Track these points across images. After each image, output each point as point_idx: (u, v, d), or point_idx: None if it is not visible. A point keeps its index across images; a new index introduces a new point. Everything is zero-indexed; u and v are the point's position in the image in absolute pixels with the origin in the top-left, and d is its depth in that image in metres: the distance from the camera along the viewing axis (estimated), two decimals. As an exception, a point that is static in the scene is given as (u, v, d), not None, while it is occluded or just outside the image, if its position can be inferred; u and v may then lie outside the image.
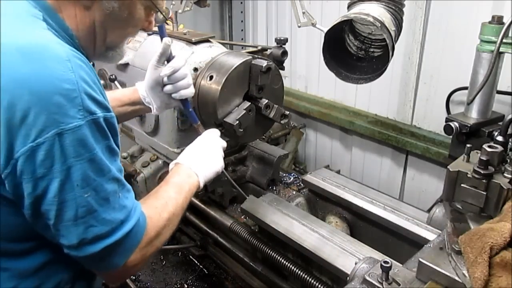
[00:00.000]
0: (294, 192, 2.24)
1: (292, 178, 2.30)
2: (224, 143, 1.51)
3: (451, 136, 2.05)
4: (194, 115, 1.64)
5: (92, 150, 0.93)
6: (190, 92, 1.55)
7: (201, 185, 1.35)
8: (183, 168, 1.35)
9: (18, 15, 0.95)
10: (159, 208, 1.15)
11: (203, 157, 1.41)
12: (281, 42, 2.09)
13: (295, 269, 1.75)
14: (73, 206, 0.93)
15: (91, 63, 1.11)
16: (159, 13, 1.20)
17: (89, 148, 0.92)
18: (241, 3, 3.75)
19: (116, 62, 1.36)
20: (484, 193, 1.03)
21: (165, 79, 1.49)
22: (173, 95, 1.53)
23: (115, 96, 1.58)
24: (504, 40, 1.74)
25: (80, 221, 0.95)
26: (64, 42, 0.99)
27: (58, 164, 0.89)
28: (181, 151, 2.20)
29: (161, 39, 1.44)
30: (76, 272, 1.12)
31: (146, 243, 1.07)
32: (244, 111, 1.82)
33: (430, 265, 1.08)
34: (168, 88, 1.51)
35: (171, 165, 1.39)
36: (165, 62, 1.49)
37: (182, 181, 1.29)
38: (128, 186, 1.07)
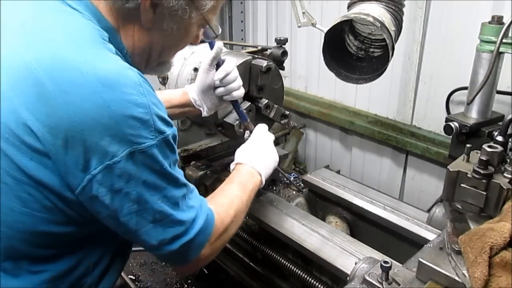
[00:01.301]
0: (294, 192, 2.24)
1: (292, 178, 2.30)
2: (273, 136, 1.64)
3: (451, 136, 2.05)
4: (244, 114, 1.70)
5: (162, 165, 1.02)
6: (241, 92, 1.64)
7: (263, 182, 1.47)
8: (246, 167, 1.46)
9: (91, 39, 0.99)
10: (226, 205, 1.26)
11: (262, 155, 1.53)
12: (281, 42, 2.09)
13: (295, 269, 1.75)
14: (150, 213, 1.03)
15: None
16: (208, 28, 1.25)
17: (159, 163, 1.01)
18: (241, 3, 3.75)
19: (164, 74, 1.42)
20: (484, 193, 1.03)
21: (217, 82, 1.57)
22: (224, 97, 1.62)
23: (164, 98, 1.60)
24: (504, 40, 1.74)
25: (158, 224, 1.05)
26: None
27: (133, 179, 0.98)
28: (181, 151, 2.22)
29: (210, 45, 1.49)
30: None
31: (216, 238, 1.18)
32: (244, 111, 1.82)
33: (430, 265, 1.08)
34: (220, 90, 1.59)
35: (232, 165, 1.51)
36: (215, 66, 1.56)
37: (246, 180, 1.40)
38: (192, 186, 1.16)
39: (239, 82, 1.60)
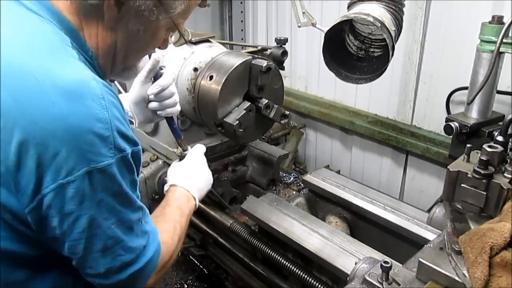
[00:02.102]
0: (294, 192, 2.24)
1: (292, 178, 2.30)
2: (205, 159, 1.60)
3: (451, 136, 2.05)
4: (178, 131, 1.64)
5: (120, 185, 0.95)
6: (176, 110, 1.56)
7: (197, 206, 1.43)
8: (181, 191, 1.41)
9: (49, 44, 0.92)
10: (171, 233, 1.20)
11: (196, 178, 1.48)
12: (281, 42, 2.09)
13: (295, 269, 1.75)
14: (101, 238, 0.95)
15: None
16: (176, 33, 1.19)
17: (117, 183, 0.94)
18: (241, 3, 3.75)
19: (130, 80, 1.35)
20: (484, 193, 1.03)
21: (151, 96, 1.48)
22: (158, 113, 1.53)
23: None
24: (504, 40, 1.74)
25: (108, 252, 0.97)
26: (85, 64, 0.97)
27: (87, 201, 0.91)
28: (181, 151, 2.20)
29: (148, 55, 1.40)
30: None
31: (161, 267, 1.11)
32: (244, 111, 1.82)
33: (430, 265, 1.08)
34: (153, 105, 1.50)
35: (166, 187, 1.45)
36: (152, 78, 1.48)
37: (182, 205, 1.35)
38: (147, 210, 1.10)
39: (175, 98, 1.52)
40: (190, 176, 1.47)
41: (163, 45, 1.18)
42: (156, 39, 1.13)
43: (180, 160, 1.58)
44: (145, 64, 1.43)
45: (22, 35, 0.91)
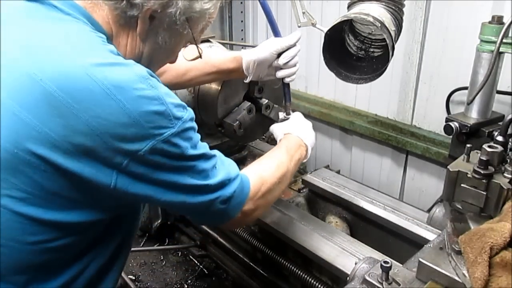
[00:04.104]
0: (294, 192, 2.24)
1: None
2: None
3: (451, 136, 2.05)
4: (290, 95, 1.78)
5: (186, 149, 1.04)
6: (295, 77, 1.73)
7: (308, 155, 1.57)
8: (295, 138, 1.55)
9: (91, 42, 1.00)
10: (271, 168, 1.35)
11: (308, 132, 1.62)
12: (281, 42, 2.09)
13: (295, 269, 1.75)
14: (186, 188, 1.08)
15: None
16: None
17: (182, 148, 1.03)
18: (241, 3, 3.75)
19: None
20: (484, 193, 1.03)
21: (281, 64, 1.64)
22: (285, 80, 1.70)
23: (213, 63, 1.72)
24: (504, 40, 1.74)
25: (198, 194, 1.11)
26: None
27: (158, 168, 1.01)
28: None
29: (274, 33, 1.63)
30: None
31: (258, 196, 1.27)
32: (244, 111, 1.83)
33: (430, 265, 1.08)
34: (282, 73, 1.67)
35: (282, 135, 1.59)
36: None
37: (293, 149, 1.48)
38: (218, 153, 1.21)
39: (298, 67, 1.70)
40: (302, 129, 1.61)
41: (175, 59, 1.30)
42: (176, 51, 1.25)
43: (281, 122, 1.72)
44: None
45: (66, 37, 0.98)
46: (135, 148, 0.96)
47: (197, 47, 1.27)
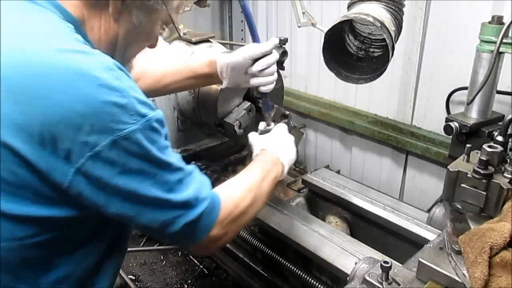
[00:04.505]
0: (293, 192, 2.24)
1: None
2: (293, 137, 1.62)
3: (451, 136, 2.05)
4: (269, 105, 1.69)
5: (149, 151, 0.97)
6: (272, 87, 1.62)
7: (285, 173, 1.45)
8: (271, 155, 1.43)
9: (56, 30, 0.97)
10: (243, 188, 1.24)
11: (287, 148, 1.51)
12: (281, 42, 2.09)
13: (295, 269, 1.75)
14: (145, 201, 0.99)
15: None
16: None
17: (145, 149, 0.96)
18: (241, 3, 3.75)
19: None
20: (484, 193, 1.03)
21: (255, 72, 1.55)
22: (260, 88, 1.60)
23: (190, 67, 1.66)
24: (504, 40, 1.74)
25: (156, 210, 1.02)
26: None
27: (118, 168, 0.94)
28: (181, 151, 2.22)
29: (254, 38, 1.54)
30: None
31: (229, 220, 1.16)
32: (244, 111, 1.83)
33: (430, 265, 1.08)
34: (256, 81, 1.58)
35: (257, 151, 1.47)
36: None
37: (268, 167, 1.37)
38: (191, 168, 1.12)
39: (274, 77, 1.60)
40: (280, 145, 1.50)
41: (155, 42, 1.24)
42: (153, 33, 1.19)
43: (261, 134, 1.60)
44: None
45: (30, 25, 0.95)
46: (93, 141, 0.90)
47: (175, 27, 1.22)
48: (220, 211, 1.14)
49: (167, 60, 1.59)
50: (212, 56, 1.67)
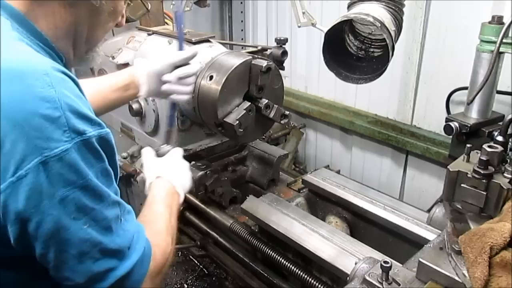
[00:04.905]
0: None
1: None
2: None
3: (451, 136, 2.05)
4: (174, 119, 1.67)
5: (85, 176, 0.81)
6: (186, 98, 1.62)
7: (181, 202, 1.31)
8: (168, 186, 1.29)
9: None
10: (164, 234, 1.08)
11: (181, 174, 1.37)
12: (281, 42, 2.09)
13: (295, 269, 1.75)
14: (74, 242, 0.81)
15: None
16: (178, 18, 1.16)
17: (81, 174, 0.80)
18: (241, 3, 3.75)
19: (95, 65, 1.24)
20: (484, 193, 1.03)
21: (171, 79, 1.52)
22: (172, 96, 1.57)
23: (111, 83, 1.53)
24: (504, 40, 1.74)
25: (85, 257, 0.83)
26: (39, 52, 0.89)
27: (46, 199, 0.77)
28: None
29: (180, 43, 1.51)
30: None
31: (156, 271, 0.99)
32: (244, 111, 1.82)
33: (430, 265, 1.08)
34: (167, 87, 1.55)
35: (152, 178, 1.32)
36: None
37: (170, 201, 1.24)
38: (128, 207, 0.96)
39: (191, 88, 1.59)
40: (176, 172, 1.36)
41: (122, 21, 1.13)
42: (116, 12, 1.07)
43: (158, 156, 1.47)
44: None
45: None
46: (16, 163, 0.74)
47: (142, 2, 1.14)
48: (150, 263, 0.96)
49: (90, 85, 1.46)
50: (129, 68, 1.60)
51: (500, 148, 1.06)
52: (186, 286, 2.41)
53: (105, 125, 0.89)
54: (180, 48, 1.57)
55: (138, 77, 1.53)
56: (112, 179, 0.92)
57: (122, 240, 0.89)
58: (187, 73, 1.52)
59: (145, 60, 1.57)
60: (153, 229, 1.06)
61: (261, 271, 1.98)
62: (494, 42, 1.77)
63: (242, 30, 3.83)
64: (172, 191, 1.28)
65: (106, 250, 0.85)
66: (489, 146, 1.06)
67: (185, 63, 1.54)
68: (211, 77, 1.87)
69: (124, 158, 2.38)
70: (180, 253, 2.58)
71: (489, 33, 1.84)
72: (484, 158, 1.03)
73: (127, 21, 3.29)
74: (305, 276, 1.71)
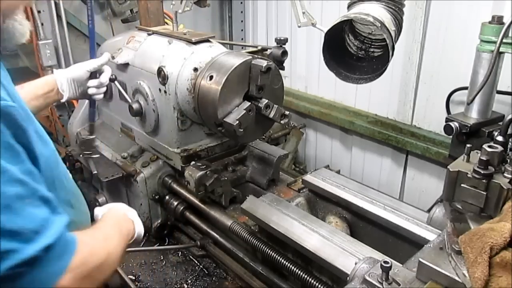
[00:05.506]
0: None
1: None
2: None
3: (451, 136, 2.05)
4: (95, 114, 2.01)
5: None
6: (101, 97, 1.91)
7: (136, 234, 1.27)
8: (119, 212, 1.29)
9: None
10: (100, 240, 1.05)
11: (132, 209, 1.37)
12: (281, 42, 2.09)
13: (295, 269, 1.75)
14: None
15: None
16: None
17: None
18: (241, 3, 3.75)
19: (22, 41, 1.13)
20: (484, 193, 1.03)
21: (91, 85, 1.83)
22: (95, 97, 1.88)
23: (30, 92, 1.68)
24: (504, 40, 1.74)
25: None
26: None
27: None
28: (181, 151, 2.22)
29: (91, 52, 1.87)
30: None
31: (84, 271, 0.92)
32: (244, 111, 1.82)
33: (430, 265, 1.08)
34: (93, 91, 1.85)
35: (104, 209, 1.32)
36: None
37: (119, 222, 1.22)
38: (46, 194, 0.90)
39: (104, 89, 1.89)
40: (125, 207, 1.37)
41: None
42: None
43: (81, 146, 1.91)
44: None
45: None
46: None
47: None
48: (73, 257, 0.89)
49: None
50: (47, 76, 1.83)
51: (500, 148, 1.06)
52: (186, 286, 2.41)
53: (10, 100, 0.85)
54: (92, 56, 1.88)
55: (60, 84, 1.76)
56: (22, 157, 0.86)
57: (24, 222, 0.82)
58: (101, 83, 1.84)
59: (63, 70, 1.81)
60: (91, 233, 1.05)
61: (261, 271, 1.98)
62: (494, 42, 1.77)
63: (242, 30, 3.83)
64: (125, 217, 1.28)
65: (3, 229, 0.79)
66: (489, 146, 1.06)
67: (98, 68, 1.82)
68: (211, 77, 1.87)
69: (124, 158, 2.38)
70: (180, 253, 2.58)
71: (489, 33, 1.84)
72: (484, 158, 1.03)
73: (127, 21, 3.31)
74: (305, 276, 1.71)
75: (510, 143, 1.18)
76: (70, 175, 1.29)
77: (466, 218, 1.10)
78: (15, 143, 0.84)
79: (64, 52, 3.05)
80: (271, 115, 1.88)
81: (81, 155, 2.22)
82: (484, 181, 1.03)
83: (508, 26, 1.73)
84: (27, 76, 3.21)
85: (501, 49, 1.77)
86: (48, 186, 0.94)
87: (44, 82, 1.75)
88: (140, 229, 1.30)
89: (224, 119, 1.83)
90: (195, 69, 1.99)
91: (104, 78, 1.86)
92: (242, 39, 3.85)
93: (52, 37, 2.96)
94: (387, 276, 1.11)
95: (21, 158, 0.86)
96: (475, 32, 1.92)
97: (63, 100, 1.80)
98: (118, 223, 1.21)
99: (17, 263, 0.80)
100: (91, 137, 1.93)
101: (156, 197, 2.33)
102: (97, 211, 1.35)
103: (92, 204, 2.58)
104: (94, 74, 1.85)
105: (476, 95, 1.90)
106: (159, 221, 2.46)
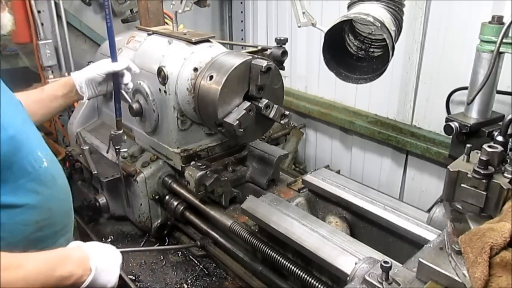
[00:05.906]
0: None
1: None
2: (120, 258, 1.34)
3: (451, 136, 2.05)
4: (121, 109, 1.96)
5: None
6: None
7: (88, 282, 1.14)
8: (80, 252, 1.18)
9: None
10: (13, 264, 1.00)
11: (110, 256, 1.26)
12: (281, 42, 2.09)
13: (295, 269, 1.75)
14: None
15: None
16: None
17: None
18: (241, 3, 3.76)
19: (3, 32, 1.24)
20: (484, 193, 1.03)
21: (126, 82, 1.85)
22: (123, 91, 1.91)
23: (48, 93, 1.73)
24: (504, 40, 1.74)
25: None
26: None
27: None
28: (181, 151, 2.22)
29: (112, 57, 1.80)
30: None
31: None
32: (244, 111, 1.82)
33: (430, 265, 1.08)
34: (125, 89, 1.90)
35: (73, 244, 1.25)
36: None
37: (61, 263, 1.12)
38: None
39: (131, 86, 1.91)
40: (102, 249, 1.25)
41: None
42: None
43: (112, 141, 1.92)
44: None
45: None
46: None
47: None
48: None
49: (31, 95, 1.69)
50: (65, 78, 1.84)
51: (500, 148, 1.06)
52: (186, 286, 2.41)
53: None
54: (113, 60, 1.81)
55: (79, 87, 1.78)
56: None
57: None
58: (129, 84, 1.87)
59: (79, 72, 1.82)
60: (4, 255, 0.99)
61: (261, 271, 1.98)
62: (494, 42, 1.77)
63: (242, 30, 3.84)
64: (81, 260, 1.15)
65: None
66: (489, 146, 1.06)
67: (118, 71, 1.81)
68: (211, 77, 1.87)
69: (124, 158, 2.38)
70: (180, 253, 2.58)
71: (489, 33, 1.84)
72: (484, 158, 1.03)
73: (127, 21, 3.31)
74: (305, 276, 1.71)
75: (510, 143, 1.18)
76: (55, 164, 1.35)
77: (466, 218, 1.10)
78: None
79: (64, 52, 3.07)
80: (271, 115, 1.88)
81: (107, 151, 2.25)
82: (484, 181, 1.03)
83: (508, 26, 1.73)
84: (27, 76, 3.23)
85: (501, 49, 1.77)
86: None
87: (63, 83, 1.78)
88: (109, 279, 1.20)
89: (224, 119, 1.83)
90: (195, 69, 1.99)
91: (127, 79, 1.86)
92: (242, 39, 3.85)
93: (52, 37, 2.97)
94: (387, 276, 1.11)
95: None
96: (475, 32, 1.92)
97: (84, 100, 1.85)
98: (52, 264, 1.09)
99: None
100: (119, 132, 1.96)
101: (156, 197, 2.33)
102: (72, 244, 1.26)
103: (92, 204, 2.60)
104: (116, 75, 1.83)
105: (476, 95, 1.90)
106: (159, 221, 2.47)
